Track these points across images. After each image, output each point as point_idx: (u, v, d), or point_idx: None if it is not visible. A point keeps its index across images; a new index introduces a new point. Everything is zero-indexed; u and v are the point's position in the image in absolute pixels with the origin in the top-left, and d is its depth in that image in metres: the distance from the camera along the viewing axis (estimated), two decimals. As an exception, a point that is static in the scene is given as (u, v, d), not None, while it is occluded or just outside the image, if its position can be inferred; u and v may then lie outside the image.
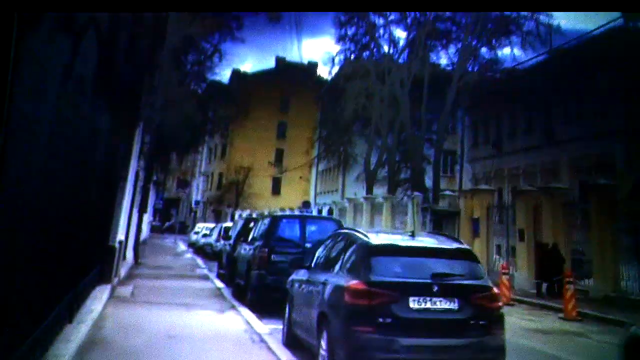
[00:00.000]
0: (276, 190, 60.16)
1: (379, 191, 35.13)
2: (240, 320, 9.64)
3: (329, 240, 8.11)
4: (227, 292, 13.17)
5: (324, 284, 6.95)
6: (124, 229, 14.35)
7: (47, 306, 5.76)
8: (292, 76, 58.19)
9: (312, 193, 50.85)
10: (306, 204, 39.20)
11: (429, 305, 6.17)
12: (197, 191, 69.46)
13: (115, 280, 12.28)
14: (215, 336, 8.11)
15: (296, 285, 8.28)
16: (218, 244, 24.52)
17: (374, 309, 6.09)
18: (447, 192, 25.83)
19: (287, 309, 8.57)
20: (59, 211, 5.74)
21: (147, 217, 29.17)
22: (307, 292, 7.67)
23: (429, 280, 6.26)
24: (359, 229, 8.15)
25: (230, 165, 59.38)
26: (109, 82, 8.15)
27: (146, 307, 10.20)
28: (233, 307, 10.96)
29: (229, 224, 26.50)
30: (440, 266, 6.55)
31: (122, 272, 14.10)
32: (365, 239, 6.87)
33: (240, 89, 60.60)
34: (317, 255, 8.18)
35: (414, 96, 32.48)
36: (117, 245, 11.82)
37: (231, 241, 16.91)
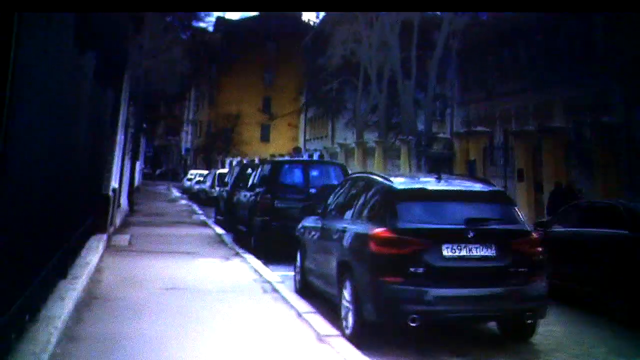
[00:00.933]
0: (265, 137, 58.90)
1: (370, 136, 34.22)
2: (247, 268, 8.88)
3: (344, 186, 7.26)
4: (228, 239, 12.40)
5: (343, 232, 6.14)
6: (117, 176, 13.38)
7: (38, 263, 4.91)
8: (278, 22, 56.09)
9: (301, 139, 49.75)
10: (297, 150, 38.18)
11: (464, 252, 5.40)
12: (187, 139, 68.04)
13: (111, 229, 11.42)
14: (224, 286, 7.34)
15: (309, 232, 7.49)
16: (213, 190, 23.69)
17: (403, 258, 5.31)
18: (442, 135, 25.01)
19: (298, 256, 7.81)
20: (47, 161, 4.84)
21: (139, 165, 28.11)
22: (322, 240, 6.88)
23: (462, 226, 5.47)
24: (378, 173, 7.32)
25: (219, 113, 57.86)
26: (92, 22, 7.11)
27: (145, 257, 9.39)
28: (237, 254, 10.20)
29: (223, 170, 25.58)
30: (473, 210, 5.75)
31: (118, 220, 13.24)
32: (388, 183, 6.02)
33: (225, 36, 58.60)
34: (329, 201, 7.35)
35: (404, 41, 31.16)
36: (111, 193, 10.90)
37: (228, 188, 16.07)
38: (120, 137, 12.46)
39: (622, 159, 15.33)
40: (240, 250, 10.67)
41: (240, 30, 58.90)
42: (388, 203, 5.72)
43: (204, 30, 46.56)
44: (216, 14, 53.05)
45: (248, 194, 12.07)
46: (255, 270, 8.61)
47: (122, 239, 11.08)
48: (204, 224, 15.46)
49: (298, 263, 7.80)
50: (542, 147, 18.18)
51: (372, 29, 33.03)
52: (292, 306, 6.39)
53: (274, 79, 59.54)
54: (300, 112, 47.31)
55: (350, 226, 6.07)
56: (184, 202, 24.88)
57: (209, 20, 49.44)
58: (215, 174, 24.45)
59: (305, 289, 7.45)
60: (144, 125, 21.84)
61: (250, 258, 9.81)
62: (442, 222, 5.56)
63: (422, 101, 31.88)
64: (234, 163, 33.71)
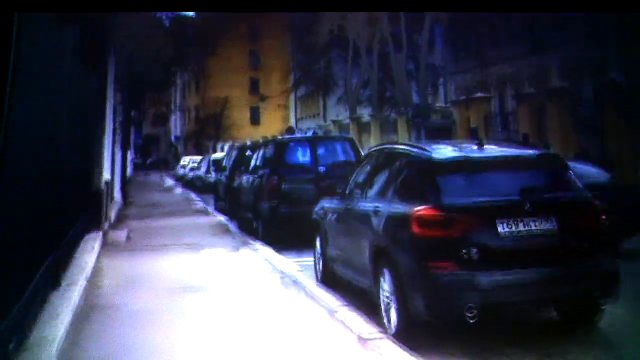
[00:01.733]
0: (255, 119, 57.75)
1: (363, 112, 33.33)
2: (259, 258, 8.05)
3: (367, 161, 6.37)
4: (232, 226, 11.54)
5: (375, 213, 5.29)
6: (109, 167, 12.45)
7: (25, 275, 4.04)
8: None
9: (292, 119, 48.69)
10: (290, 130, 37.13)
11: (521, 228, 4.58)
12: (175, 127, 66.72)
13: (106, 224, 10.53)
14: (239, 283, 6.51)
15: (330, 215, 6.64)
16: (209, 176, 22.75)
17: (453, 240, 4.47)
18: (439, 105, 24.14)
19: (317, 242, 6.97)
20: (32, 154, 3.99)
21: (130, 155, 27.07)
22: (347, 224, 6.03)
23: (517, 198, 4.65)
24: (410, 142, 6.46)
25: (206, 98, 56.57)
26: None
27: (146, 254, 8.53)
28: (245, 243, 9.34)
29: (217, 155, 24.61)
30: (527, 179, 4.91)
31: (112, 214, 12.33)
32: (426, 153, 5.14)
33: (207, 18, 56.91)
34: (351, 179, 6.50)
35: (392, 13, 30.07)
36: (103, 186, 9.98)
37: (227, 172, 15.16)
38: (108, 125, 11.49)
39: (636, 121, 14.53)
40: (248, 238, 9.82)
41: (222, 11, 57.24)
42: (428, 176, 4.86)
43: (184, 15, 45.13)
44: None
45: (250, 177, 11.19)
46: (269, 261, 7.78)
47: (119, 235, 10.19)
48: (204, 212, 14.58)
49: (318, 250, 6.97)
50: (546, 111, 17.40)
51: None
52: (320, 302, 5.57)
53: (260, 60, 58.19)
54: (290, 91, 46.14)
55: (384, 206, 5.22)
56: (179, 190, 23.92)
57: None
58: (209, 159, 23.47)
59: (328, 279, 6.63)
60: (132, 113, 20.75)
61: (260, 247, 8.97)
62: (493, 194, 4.72)
63: (414, 73, 30.94)
64: (229, 147, 32.65)
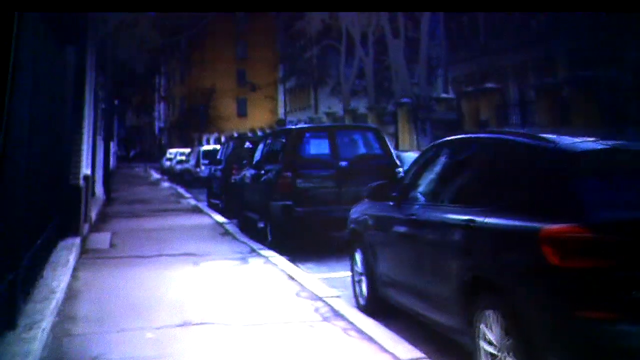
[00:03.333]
0: (242, 111, 55.77)
1: (357, 104, 31.70)
2: (276, 273, 6.41)
3: (436, 155, 4.72)
4: (233, 229, 9.87)
5: (467, 227, 3.68)
6: (89, 160, 10.70)
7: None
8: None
9: (281, 111, 46.89)
10: (280, 123, 35.40)
11: None
12: (160, 118, 64.45)
13: (86, 227, 8.80)
14: (260, 314, 4.85)
15: (378, 224, 5.05)
16: (198, 169, 21.00)
17: (614, 275, 2.92)
18: (444, 96, 22.62)
19: (359, 259, 5.38)
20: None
21: (113, 146, 25.14)
22: (413, 239, 4.41)
23: None
24: (512, 130, 4.86)
25: (192, 89, 54.45)
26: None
27: (135, 266, 6.83)
28: (254, 252, 7.70)
29: (208, 147, 22.84)
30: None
31: (94, 213, 10.58)
32: (552, 145, 3.52)
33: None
34: (408, 179, 4.89)
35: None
36: (82, 182, 8.23)
37: (222, 166, 13.47)
38: (88, 111, 9.71)
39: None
40: (256, 246, 8.17)
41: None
42: (564, 178, 3.27)
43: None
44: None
45: (255, 172, 9.52)
46: (291, 277, 6.15)
47: (101, 240, 8.47)
48: (197, 210, 12.86)
49: (359, 268, 5.36)
50: (570, 103, 15.93)
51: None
52: (381, 347, 3.97)
53: (247, 51, 56.19)
54: (280, 82, 44.34)
55: (482, 219, 3.62)
56: (166, 184, 22.07)
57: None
58: (199, 151, 21.65)
59: (377, 307, 5.04)
60: (116, 102, 18.82)
61: (273, 256, 7.33)
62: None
63: (413, 62, 29.38)
64: (225, 138, 30.77)
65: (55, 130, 6.96)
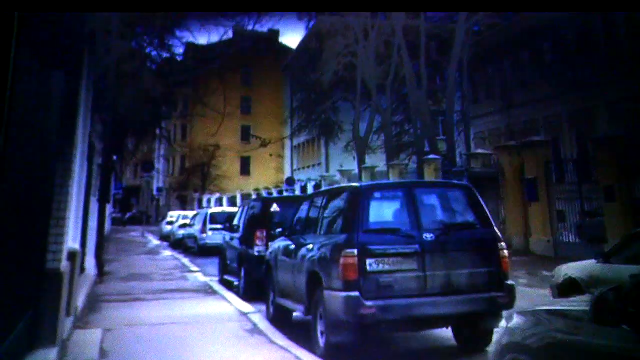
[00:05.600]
0: (245, 170, 53.98)
1: (371, 160, 29.83)
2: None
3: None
4: (262, 322, 7.51)
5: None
6: (78, 229, 8.52)
7: None
8: (253, 46, 51.83)
9: (287, 169, 45.01)
10: (290, 181, 33.37)
11: None
12: (158, 178, 62.55)
13: (68, 324, 6.53)
14: None
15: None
16: (204, 235, 18.77)
17: None
18: (480, 151, 20.72)
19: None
20: None
21: (109, 208, 23.00)
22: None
23: None
24: None
25: (193, 147, 52.85)
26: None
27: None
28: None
29: (216, 209, 20.71)
30: None
31: (80, 299, 8.31)
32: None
33: (196, 63, 53.86)
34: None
35: (412, 49, 27.09)
36: (64, 264, 6.00)
37: (239, 233, 11.27)
38: (78, 168, 7.61)
39: None
40: (304, 355, 5.88)
41: (212, 55, 54.50)
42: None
43: (173, 57, 42.40)
44: (185, 39, 48.70)
45: (291, 244, 7.34)
46: None
47: (88, 346, 6.16)
48: (209, 291, 10.50)
49: None
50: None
51: (368, 40, 28.99)
52: None
53: (252, 106, 55.06)
54: (287, 138, 42.70)
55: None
56: (167, 253, 19.68)
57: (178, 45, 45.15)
58: (206, 214, 19.42)
59: None
60: (114, 158, 16.82)
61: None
62: None
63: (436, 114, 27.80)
64: (243, 200, 28.52)
65: (30, 189, 4.88)
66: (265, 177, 49.36)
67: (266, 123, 50.90)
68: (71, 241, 7.54)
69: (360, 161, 29.50)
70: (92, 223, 12.90)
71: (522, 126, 28.03)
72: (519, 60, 28.94)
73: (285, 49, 50.98)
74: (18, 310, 4.95)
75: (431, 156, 22.20)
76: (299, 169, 42.89)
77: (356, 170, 29.05)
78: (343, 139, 34.39)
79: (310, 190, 30.07)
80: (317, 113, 34.67)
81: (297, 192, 30.25)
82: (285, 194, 29.61)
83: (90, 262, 12.15)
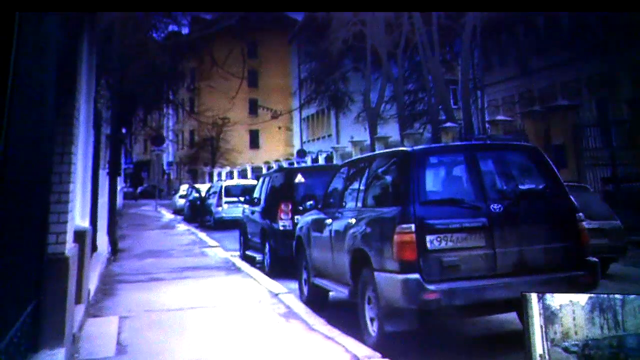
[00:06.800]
0: (254, 143, 52.83)
1: (383, 131, 28.61)
2: None
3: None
4: (297, 305, 6.52)
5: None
6: (86, 205, 7.51)
7: None
8: (258, 18, 50.15)
9: (297, 142, 43.84)
10: (301, 153, 32.23)
11: None
12: (168, 152, 61.53)
13: (79, 316, 5.55)
14: None
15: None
16: (219, 209, 17.83)
17: None
18: (500, 118, 19.51)
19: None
20: None
21: (120, 182, 22.04)
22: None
23: None
24: None
25: (202, 121, 51.64)
26: None
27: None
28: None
29: (230, 182, 19.72)
30: None
31: (94, 283, 7.34)
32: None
33: (202, 37, 52.27)
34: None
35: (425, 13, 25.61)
36: (70, 248, 4.98)
37: (261, 206, 10.26)
38: (83, 137, 6.55)
39: None
40: (354, 347, 4.89)
41: (217, 29, 52.88)
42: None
43: (178, 32, 41.03)
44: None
45: (326, 218, 6.30)
46: None
47: (103, 338, 5.19)
48: (232, 268, 9.50)
49: None
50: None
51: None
52: None
53: (259, 79, 53.57)
54: (295, 110, 41.46)
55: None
56: (183, 227, 18.73)
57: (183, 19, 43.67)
58: (221, 187, 18.41)
59: None
60: (123, 130, 15.78)
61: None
62: None
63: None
64: (266, 171, 27.19)
65: (26, 161, 3.84)
66: (274, 150, 48.26)
67: (274, 95, 49.52)
68: (79, 219, 6.53)
69: (373, 132, 28.32)
70: (103, 198, 11.91)
71: (539, 93, 26.71)
72: (534, 25, 27.42)
73: (291, 20, 49.31)
74: (18, 304, 3.97)
75: (449, 124, 21.01)
76: (309, 141, 41.73)
77: (368, 141, 27.88)
78: (354, 110, 33.13)
79: (321, 160, 28.95)
80: (327, 84, 33.32)
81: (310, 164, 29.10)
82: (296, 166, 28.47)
83: (102, 240, 11.18)
